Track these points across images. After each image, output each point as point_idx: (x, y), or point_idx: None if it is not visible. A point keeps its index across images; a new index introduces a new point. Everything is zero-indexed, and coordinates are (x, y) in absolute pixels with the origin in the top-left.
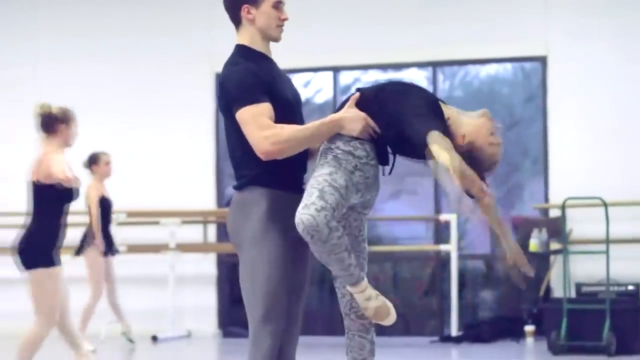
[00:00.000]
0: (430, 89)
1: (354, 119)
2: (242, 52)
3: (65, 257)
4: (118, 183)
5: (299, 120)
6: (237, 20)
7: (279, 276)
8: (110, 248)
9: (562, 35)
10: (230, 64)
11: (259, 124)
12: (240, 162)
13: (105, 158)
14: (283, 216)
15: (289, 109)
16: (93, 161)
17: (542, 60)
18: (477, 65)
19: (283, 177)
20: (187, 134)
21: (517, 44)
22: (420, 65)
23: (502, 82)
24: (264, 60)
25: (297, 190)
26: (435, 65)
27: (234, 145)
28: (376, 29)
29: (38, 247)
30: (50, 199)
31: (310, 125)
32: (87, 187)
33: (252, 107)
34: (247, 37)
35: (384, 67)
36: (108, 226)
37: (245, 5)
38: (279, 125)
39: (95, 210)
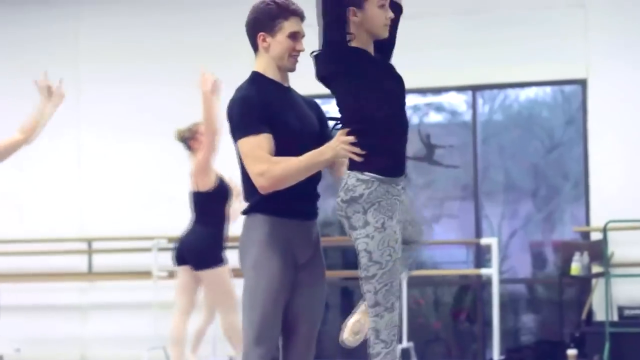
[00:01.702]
0: (469, 113)
1: (332, 144)
2: (253, 79)
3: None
4: (159, 208)
5: (306, 151)
6: (254, 47)
7: (274, 302)
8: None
9: (602, 57)
10: (239, 89)
11: (254, 157)
12: (245, 187)
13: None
14: (283, 243)
15: (293, 139)
16: None
17: (582, 83)
18: (516, 89)
19: (283, 205)
20: (227, 158)
21: (557, 67)
22: (460, 89)
23: (541, 105)
24: (275, 88)
25: (299, 217)
26: (474, 89)
27: (242, 171)
28: (415, 54)
29: (208, 249)
30: (211, 204)
31: (304, 157)
32: None
33: (250, 139)
34: (262, 64)
35: (423, 91)
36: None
37: (261, 33)
38: (274, 159)
39: None
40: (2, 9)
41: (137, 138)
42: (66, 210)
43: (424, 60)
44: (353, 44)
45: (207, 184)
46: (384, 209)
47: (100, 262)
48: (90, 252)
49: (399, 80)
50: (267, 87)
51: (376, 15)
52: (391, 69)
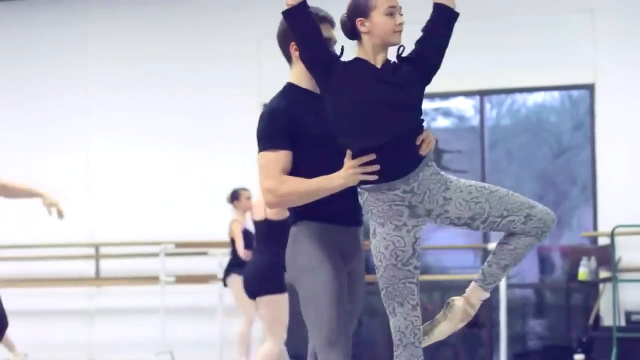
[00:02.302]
0: (477, 117)
1: (342, 172)
2: (285, 90)
3: (216, 287)
4: (167, 213)
5: (332, 160)
6: (287, 57)
7: (337, 302)
8: None
9: (610, 62)
10: (270, 101)
11: (267, 172)
12: None
13: (246, 194)
14: (333, 247)
15: (320, 147)
16: (235, 197)
17: (590, 88)
18: (524, 94)
19: (329, 211)
20: (236, 164)
21: (564, 72)
22: (468, 94)
23: (549, 110)
24: (309, 98)
25: (345, 223)
26: (482, 94)
27: None
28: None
29: (272, 277)
30: (278, 232)
31: (313, 181)
32: (230, 221)
33: (268, 153)
34: (296, 74)
35: (431, 96)
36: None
37: (293, 42)
38: (284, 178)
39: (240, 243)
40: (11, 12)
41: (146, 143)
42: (74, 215)
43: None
44: (360, 53)
45: (282, 213)
46: (375, 217)
47: (108, 267)
48: (97, 257)
49: (387, 81)
50: (298, 99)
51: (383, 23)
52: (382, 72)
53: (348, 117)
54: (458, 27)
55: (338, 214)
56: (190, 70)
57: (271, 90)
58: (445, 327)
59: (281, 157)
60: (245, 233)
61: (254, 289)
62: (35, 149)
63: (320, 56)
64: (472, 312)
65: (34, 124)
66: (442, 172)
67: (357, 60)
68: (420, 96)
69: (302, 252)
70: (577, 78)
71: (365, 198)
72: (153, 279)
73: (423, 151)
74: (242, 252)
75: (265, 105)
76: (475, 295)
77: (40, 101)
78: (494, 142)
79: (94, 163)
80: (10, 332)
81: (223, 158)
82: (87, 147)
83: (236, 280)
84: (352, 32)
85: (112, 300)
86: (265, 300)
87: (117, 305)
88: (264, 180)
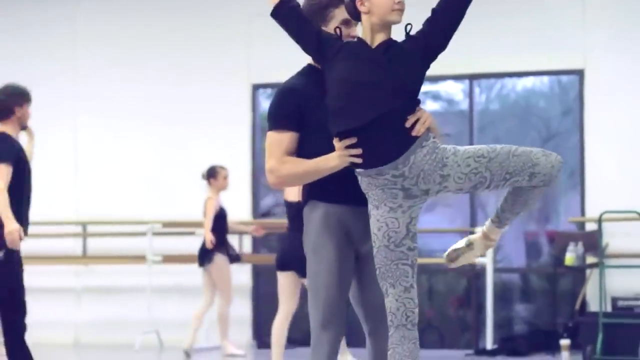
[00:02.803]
0: (466, 101)
1: (335, 152)
2: (304, 71)
3: (193, 267)
4: (154, 193)
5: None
6: None
7: (337, 284)
8: (230, 256)
9: (599, 48)
10: (288, 79)
11: (270, 152)
12: None
13: (223, 172)
14: (339, 228)
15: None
16: (211, 175)
17: (580, 74)
18: (513, 78)
19: (338, 191)
20: (223, 145)
21: (554, 57)
22: (457, 77)
23: (538, 95)
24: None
25: (354, 203)
26: (471, 77)
27: None
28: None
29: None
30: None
31: (312, 161)
32: (205, 199)
33: (274, 133)
34: None
35: None
36: (225, 235)
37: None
38: (285, 159)
39: (209, 222)
40: None
41: (134, 123)
42: (62, 194)
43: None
44: (361, 33)
45: (295, 195)
46: (370, 199)
47: (95, 245)
48: (85, 235)
49: (373, 60)
50: (314, 79)
51: (382, 2)
52: (372, 52)
53: (331, 97)
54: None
55: (346, 195)
56: (179, 51)
57: (261, 71)
58: (469, 256)
59: (286, 139)
60: (219, 214)
61: (294, 266)
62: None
63: (310, 47)
64: (493, 244)
65: None
66: (440, 147)
67: (356, 41)
68: (415, 76)
69: (308, 233)
70: (566, 63)
71: (360, 181)
72: (140, 258)
73: (416, 132)
74: (208, 236)
75: (283, 83)
76: (493, 232)
77: (28, 82)
78: (483, 127)
79: (82, 143)
80: None
81: (211, 139)
82: (75, 127)
83: (221, 259)
84: (354, 13)
85: (99, 279)
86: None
87: (103, 284)
88: (267, 160)
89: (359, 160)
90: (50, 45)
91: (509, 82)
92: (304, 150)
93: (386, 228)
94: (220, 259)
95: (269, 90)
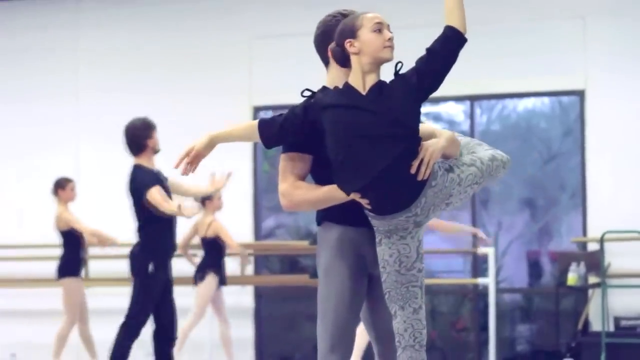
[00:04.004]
0: (467, 122)
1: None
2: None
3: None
4: None
5: None
6: (324, 60)
7: (348, 308)
8: (221, 279)
9: (600, 69)
10: (302, 102)
11: (284, 175)
12: None
13: (217, 193)
14: (353, 250)
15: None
16: (207, 197)
17: (580, 94)
18: (514, 99)
19: (353, 212)
20: (225, 166)
21: (555, 78)
22: (458, 99)
23: (539, 116)
24: None
25: (368, 225)
26: (472, 99)
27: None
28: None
29: None
30: None
31: (324, 189)
32: (209, 222)
33: (287, 156)
34: (330, 78)
35: None
36: (222, 258)
37: (330, 46)
38: (297, 184)
39: (230, 239)
40: (1, 15)
41: None
42: None
43: None
44: (350, 79)
45: None
46: (381, 231)
47: (97, 268)
48: (86, 258)
49: (369, 110)
50: None
51: (372, 40)
52: (365, 99)
53: (332, 152)
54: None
55: (361, 217)
56: (181, 73)
57: (263, 93)
58: None
59: (299, 162)
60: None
61: None
62: (26, 150)
63: (304, 133)
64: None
65: (24, 126)
66: (448, 180)
67: (344, 88)
68: (412, 118)
69: (321, 254)
70: (567, 84)
71: (370, 217)
72: None
73: (422, 176)
74: (235, 244)
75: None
76: None
77: (31, 104)
78: None
79: (83, 165)
80: None
81: (213, 163)
82: (77, 149)
83: (212, 280)
84: (342, 58)
85: (101, 301)
86: None
87: (105, 306)
88: (280, 183)
89: (369, 207)
90: (53, 65)
91: (509, 103)
92: (316, 174)
93: (398, 254)
94: (211, 278)
95: (270, 112)
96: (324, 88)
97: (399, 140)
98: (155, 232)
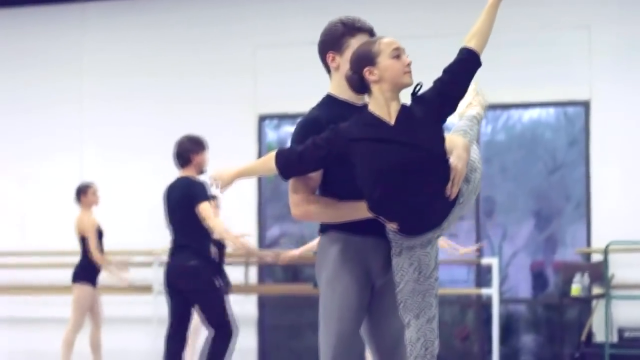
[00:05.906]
0: None
1: (364, 207)
2: (323, 102)
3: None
4: (160, 223)
5: None
6: (327, 68)
7: (350, 320)
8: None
9: (605, 79)
10: (309, 110)
11: (295, 187)
12: None
13: (214, 202)
14: (357, 260)
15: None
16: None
17: (585, 105)
18: (519, 110)
19: (357, 222)
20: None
21: (560, 88)
22: None
23: (544, 126)
24: (346, 109)
25: (373, 234)
26: None
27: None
28: (418, 75)
29: None
30: None
31: (340, 207)
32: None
33: None
34: (335, 85)
35: None
36: (222, 265)
37: (330, 53)
38: (312, 198)
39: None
40: (7, 22)
41: (140, 154)
42: (67, 224)
43: (428, 81)
44: (372, 106)
45: None
46: (402, 245)
47: (101, 276)
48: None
49: (402, 142)
50: (335, 110)
51: (392, 66)
52: (396, 130)
53: (368, 192)
54: (455, 42)
55: (366, 225)
56: (185, 81)
57: (268, 101)
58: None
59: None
60: (220, 243)
61: None
62: (30, 158)
63: (326, 164)
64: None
65: (29, 134)
66: (468, 189)
67: (369, 119)
68: (440, 143)
69: (325, 264)
70: (572, 95)
71: (391, 234)
72: (146, 289)
73: (453, 195)
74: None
75: (305, 114)
76: None
77: (35, 111)
78: (489, 158)
79: (87, 173)
80: None
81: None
82: (82, 157)
83: None
84: (360, 86)
85: (104, 309)
86: None
87: (109, 315)
88: (291, 195)
89: (399, 228)
90: (58, 72)
91: (515, 113)
92: (325, 182)
93: (417, 263)
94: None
95: (275, 121)
96: (329, 96)
97: (432, 170)
98: (208, 245)
